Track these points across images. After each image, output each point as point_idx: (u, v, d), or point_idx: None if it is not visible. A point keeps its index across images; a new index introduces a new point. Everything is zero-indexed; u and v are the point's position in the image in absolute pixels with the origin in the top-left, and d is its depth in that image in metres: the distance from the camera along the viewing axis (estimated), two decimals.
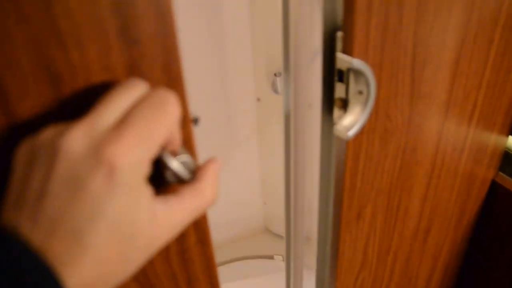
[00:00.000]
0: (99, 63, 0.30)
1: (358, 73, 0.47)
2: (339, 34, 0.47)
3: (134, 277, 0.41)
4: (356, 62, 0.45)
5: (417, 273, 0.83)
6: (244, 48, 1.13)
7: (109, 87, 0.29)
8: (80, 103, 0.31)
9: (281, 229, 1.48)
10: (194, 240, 0.44)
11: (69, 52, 0.29)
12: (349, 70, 0.47)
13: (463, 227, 0.85)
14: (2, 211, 0.27)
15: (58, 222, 0.25)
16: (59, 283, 0.25)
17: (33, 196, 0.26)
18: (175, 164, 0.31)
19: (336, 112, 0.52)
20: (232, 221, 1.47)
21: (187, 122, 0.37)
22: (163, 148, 0.31)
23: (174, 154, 0.32)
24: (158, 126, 0.28)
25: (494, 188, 0.83)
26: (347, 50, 0.46)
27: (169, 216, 0.30)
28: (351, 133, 0.48)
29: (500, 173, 0.83)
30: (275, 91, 1.15)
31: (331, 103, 0.52)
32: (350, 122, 0.49)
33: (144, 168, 0.28)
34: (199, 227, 0.44)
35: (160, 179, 0.32)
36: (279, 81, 1.13)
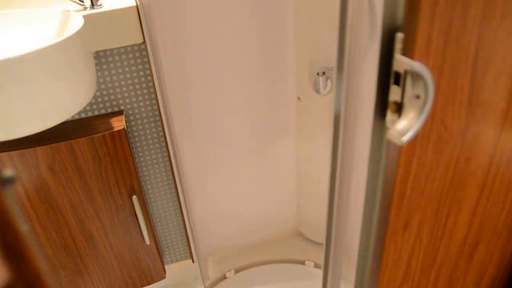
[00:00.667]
0: None
1: (416, 76, 0.45)
2: (399, 35, 0.45)
3: None
4: (417, 65, 0.43)
5: None
6: (287, 46, 1.12)
7: None
8: None
9: (314, 234, 1.46)
10: None
11: None
12: (406, 72, 0.45)
13: None
14: None
15: None
16: None
17: None
18: None
19: (389, 115, 0.50)
20: (264, 222, 1.46)
21: None
22: None
23: None
24: None
25: None
26: (406, 52, 0.44)
27: None
28: (406, 138, 0.46)
29: None
30: (317, 91, 1.13)
31: (384, 106, 0.50)
32: (404, 127, 0.47)
33: None
34: None
35: None
36: (322, 81, 1.11)
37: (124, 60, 1.06)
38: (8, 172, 0.30)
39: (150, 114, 1.16)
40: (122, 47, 1.05)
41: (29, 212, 1.07)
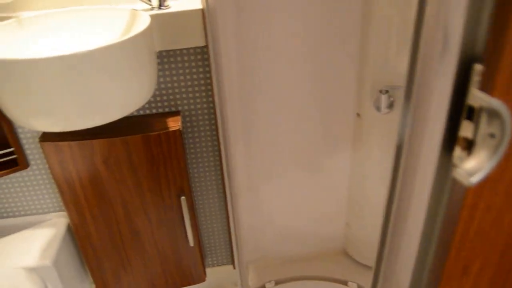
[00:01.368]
0: None
1: (493, 114, 0.41)
2: (478, 67, 0.41)
3: None
4: (495, 103, 0.39)
5: None
6: (350, 61, 1.08)
7: None
8: None
9: (360, 255, 1.41)
10: None
11: None
12: (482, 108, 0.41)
13: None
14: None
15: None
16: None
17: None
18: None
19: (458, 151, 0.46)
20: (310, 237, 1.43)
21: None
22: None
23: None
24: None
25: None
26: (484, 86, 0.40)
27: None
28: (475, 179, 0.41)
29: None
30: (378, 108, 1.09)
31: (452, 141, 0.46)
32: (474, 166, 0.43)
33: None
34: None
35: None
36: (384, 99, 1.07)
37: (185, 61, 1.07)
38: None
39: (206, 117, 1.16)
40: (185, 49, 1.05)
41: (81, 201, 1.10)
